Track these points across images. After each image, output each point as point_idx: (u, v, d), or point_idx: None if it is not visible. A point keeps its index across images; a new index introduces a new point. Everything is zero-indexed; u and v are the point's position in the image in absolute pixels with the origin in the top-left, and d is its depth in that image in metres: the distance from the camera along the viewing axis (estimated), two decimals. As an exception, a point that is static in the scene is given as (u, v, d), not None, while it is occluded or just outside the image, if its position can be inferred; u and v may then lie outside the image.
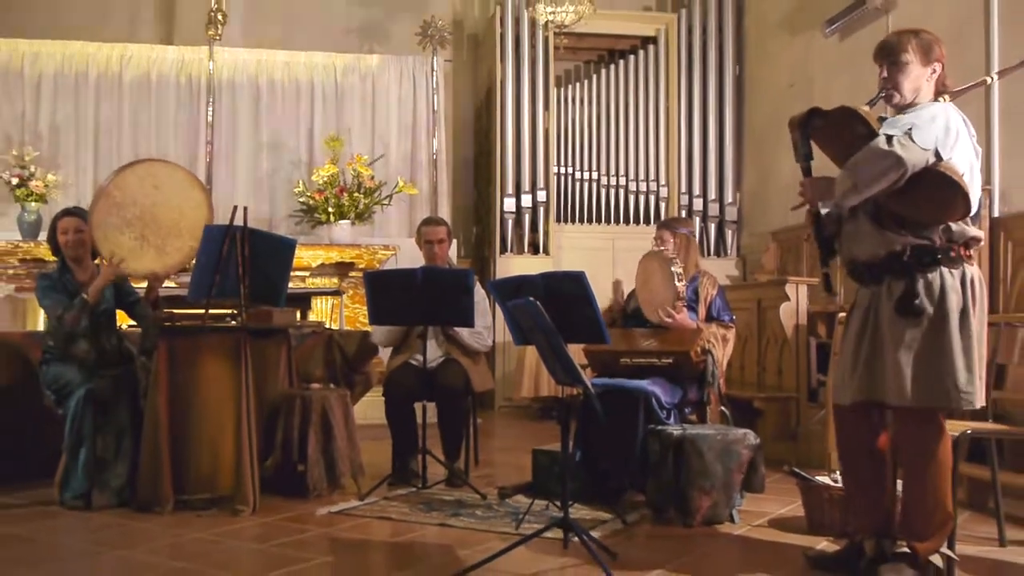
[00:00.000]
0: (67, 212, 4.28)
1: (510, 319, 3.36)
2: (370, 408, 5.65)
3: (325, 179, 7.11)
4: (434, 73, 7.76)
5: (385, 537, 3.50)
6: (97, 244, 4.07)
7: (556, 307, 3.11)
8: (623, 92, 8.25)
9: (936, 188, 2.69)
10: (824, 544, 3.32)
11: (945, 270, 2.75)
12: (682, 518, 3.63)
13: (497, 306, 3.80)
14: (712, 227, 8.17)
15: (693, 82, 8.24)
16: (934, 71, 2.87)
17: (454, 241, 5.82)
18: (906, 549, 2.84)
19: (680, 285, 4.04)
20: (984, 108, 5.09)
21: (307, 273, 6.93)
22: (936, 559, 2.82)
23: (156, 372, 3.90)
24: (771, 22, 7.84)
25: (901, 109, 2.88)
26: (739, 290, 6.22)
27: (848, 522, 3.21)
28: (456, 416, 4.50)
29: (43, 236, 5.48)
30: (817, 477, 3.62)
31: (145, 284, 4.32)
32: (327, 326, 6.13)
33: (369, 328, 5.05)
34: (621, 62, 8.31)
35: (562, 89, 8.24)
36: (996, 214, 5.03)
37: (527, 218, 7.83)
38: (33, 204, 6.74)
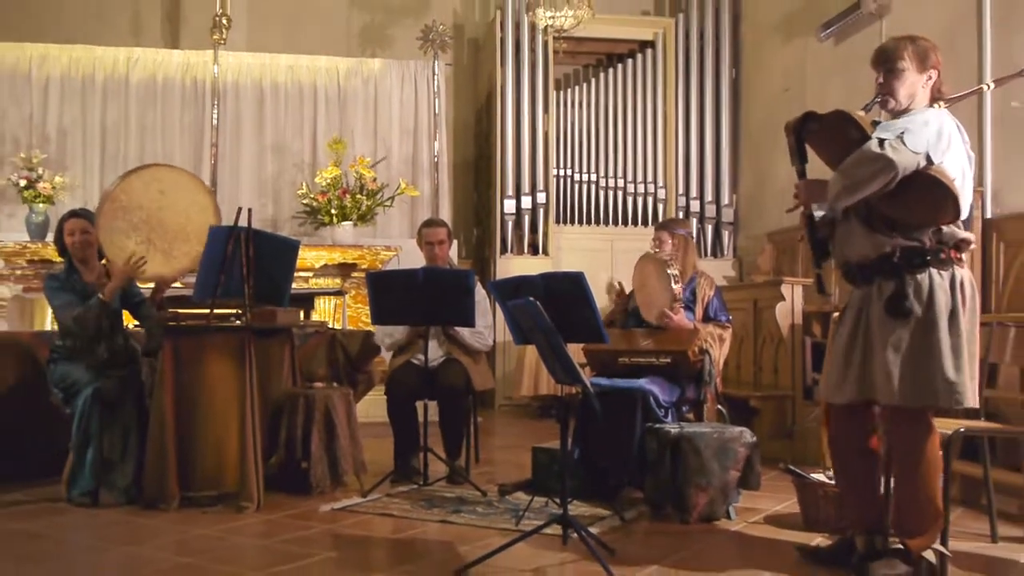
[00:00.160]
0: (74, 214, 4.28)
1: (510, 319, 3.37)
2: (372, 406, 5.65)
3: (328, 181, 7.12)
4: (435, 77, 7.77)
5: (387, 533, 3.50)
6: (104, 248, 4.07)
7: (555, 307, 3.12)
8: (622, 95, 8.25)
9: (926, 191, 2.70)
10: (819, 540, 3.33)
11: (934, 271, 2.75)
12: (679, 515, 3.63)
13: (497, 306, 3.80)
14: (709, 228, 8.17)
15: (690, 86, 8.24)
16: (930, 78, 2.87)
17: (455, 242, 5.82)
18: (899, 545, 2.85)
19: (677, 287, 4.05)
20: (977, 111, 5.09)
21: (310, 274, 6.93)
22: (929, 555, 2.82)
23: (162, 371, 3.90)
24: (767, 27, 7.84)
25: (896, 114, 2.89)
26: (736, 291, 6.23)
27: (842, 518, 3.21)
28: (457, 414, 4.50)
29: (50, 237, 5.47)
30: (812, 474, 3.63)
31: (152, 286, 4.32)
32: (330, 326, 6.14)
33: (372, 328, 5.05)
34: (619, 66, 8.31)
35: (561, 92, 8.24)
36: (988, 215, 5.03)
37: (527, 219, 7.83)
38: (40, 205, 6.74)
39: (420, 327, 4.45)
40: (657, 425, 3.82)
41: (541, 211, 7.84)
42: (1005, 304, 4.84)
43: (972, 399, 2.73)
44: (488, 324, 4.70)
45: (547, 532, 3.21)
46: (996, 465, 3.65)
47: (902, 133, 2.70)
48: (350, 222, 7.15)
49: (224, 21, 7.26)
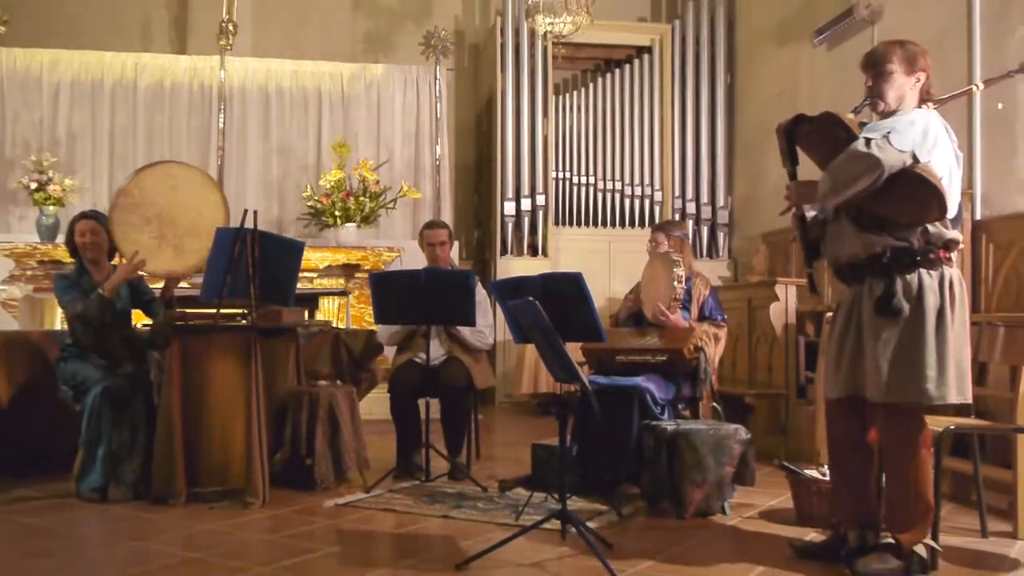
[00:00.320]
0: (84, 215, 4.28)
1: (510, 318, 3.36)
2: (375, 404, 5.66)
3: (332, 184, 7.12)
4: (437, 82, 7.77)
5: (390, 528, 3.50)
6: (117, 242, 4.07)
7: (554, 307, 3.11)
8: (619, 100, 8.24)
9: (912, 189, 2.70)
10: (812, 535, 3.32)
11: (924, 271, 2.76)
12: (675, 510, 3.63)
13: (498, 306, 3.80)
14: (704, 230, 8.17)
15: (686, 90, 8.24)
16: (918, 80, 2.87)
17: (456, 243, 5.82)
18: (891, 540, 2.85)
19: (679, 287, 4.05)
20: (967, 114, 5.09)
21: (315, 274, 6.93)
22: (920, 549, 2.82)
23: (170, 370, 3.90)
24: (761, 33, 7.84)
25: (885, 116, 2.89)
26: (731, 290, 6.23)
27: (834, 513, 3.21)
28: (458, 412, 4.50)
29: (61, 238, 5.48)
30: (806, 471, 3.63)
31: (162, 283, 4.32)
32: (334, 325, 6.13)
33: (375, 327, 5.05)
34: (617, 71, 8.31)
35: (560, 97, 8.23)
36: (978, 217, 5.03)
37: (526, 221, 7.82)
38: (51, 207, 6.74)
39: (422, 326, 4.45)
40: (654, 422, 3.82)
41: (540, 213, 7.83)
42: (994, 304, 4.84)
43: (958, 396, 2.72)
44: (488, 323, 4.69)
45: (546, 527, 3.21)
46: (986, 462, 3.65)
47: (888, 132, 2.70)
48: (354, 224, 7.15)
49: (230, 27, 7.26)
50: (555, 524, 3.21)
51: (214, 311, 3.97)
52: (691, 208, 8.14)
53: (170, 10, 8.00)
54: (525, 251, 7.85)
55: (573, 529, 3.12)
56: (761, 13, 7.88)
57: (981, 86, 3.40)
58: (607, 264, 7.89)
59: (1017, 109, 4.86)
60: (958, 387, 2.73)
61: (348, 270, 7.03)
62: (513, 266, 7.56)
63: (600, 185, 8.14)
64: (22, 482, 4.21)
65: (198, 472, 3.93)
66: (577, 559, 3.03)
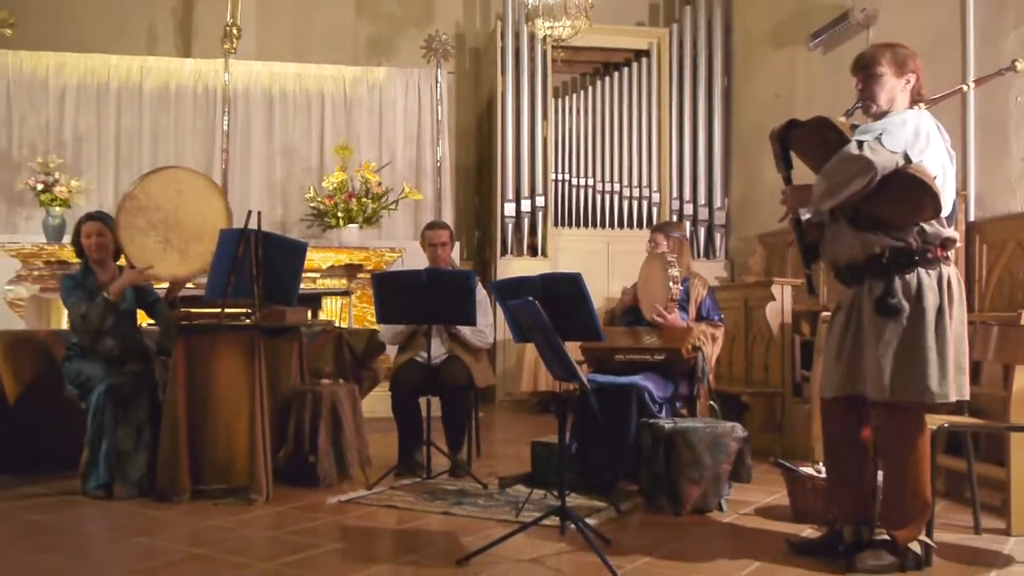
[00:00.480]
0: (90, 216, 4.28)
1: (510, 318, 3.36)
2: (377, 402, 5.65)
3: (335, 185, 7.11)
4: (438, 85, 7.76)
5: (392, 525, 3.50)
6: (124, 246, 4.07)
7: (554, 307, 3.11)
8: (617, 103, 8.24)
9: (906, 189, 2.69)
10: (808, 531, 3.32)
11: (922, 271, 2.75)
12: (673, 507, 3.63)
13: (498, 305, 3.79)
14: (702, 231, 8.16)
15: (684, 93, 8.24)
16: (908, 81, 2.87)
17: (457, 244, 5.81)
18: (886, 536, 2.85)
19: (675, 287, 4.04)
20: (960, 116, 5.09)
21: (318, 274, 6.93)
22: (915, 546, 2.82)
23: (174, 368, 3.90)
24: (758, 36, 7.84)
25: (878, 117, 2.88)
26: (727, 291, 6.22)
27: (829, 510, 3.21)
28: (459, 410, 4.50)
29: (67, 239, 5.47)
30: (801, 468, 3.62)
31: (167, 285, 4.32)
32: (337, 324, 6.13)
33: (377, 327, 5.05)
34: (615, 74, 8.30)
35: (559, 100, 8.23)
36: (971, 218, 5.03)
37: (526, 222, 7.82)
38: (57, 209, 6.74)
39: (423, 325, 4.45)
40: (652, 420, 3.82)
41: (540, 214, 7.83)
42: (988, 304, 4.85)
43: (958, 394, 2.72)
44: (489, 323, 4.69)
45: (546, 523, 3.21)
46: (979, 459, 3.65)
47: (880, 134, 2.69)
48: (356, 225, 7.14)
49: (234, 31, 7.26)
50: (554, 521, 3.21)
51: (219, 311, 3.97)
52: (688, 209, 8.14)
53: (175, 14, 8.00)
54: (525, 252, 7.85)
55: (572, 525, 3.11)
56: (757, 17, 7.88)
57: (971, 85, 3.40)
58: (606, 264, 7.88)
59: (1009, 110, 4.86)
60: (958, 385, 2.73)
61: (350, 270, 7.03)
62: (513, 266, 7.56)
63: (599, 187, 8.14)
64: (29, 479, 4.21)
65: (202, 469, 3.93)
66: (576, 555, 3.02)
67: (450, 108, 8.08)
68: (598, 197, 8.13)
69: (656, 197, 8.17)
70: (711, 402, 4.22)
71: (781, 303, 5.35)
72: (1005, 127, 4.88)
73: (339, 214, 7.11)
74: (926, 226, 2.76)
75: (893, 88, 2.86)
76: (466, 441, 4.59)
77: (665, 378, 4.06)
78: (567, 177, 8.12)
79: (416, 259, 5.93)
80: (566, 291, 3.32)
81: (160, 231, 4.12)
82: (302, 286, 4.45)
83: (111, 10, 7.79)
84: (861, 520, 2.92)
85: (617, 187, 8.15)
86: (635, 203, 8.15)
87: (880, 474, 3.00)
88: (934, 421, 3.11)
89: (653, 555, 3.02)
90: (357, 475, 4.25)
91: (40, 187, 6.70)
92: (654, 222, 7.79)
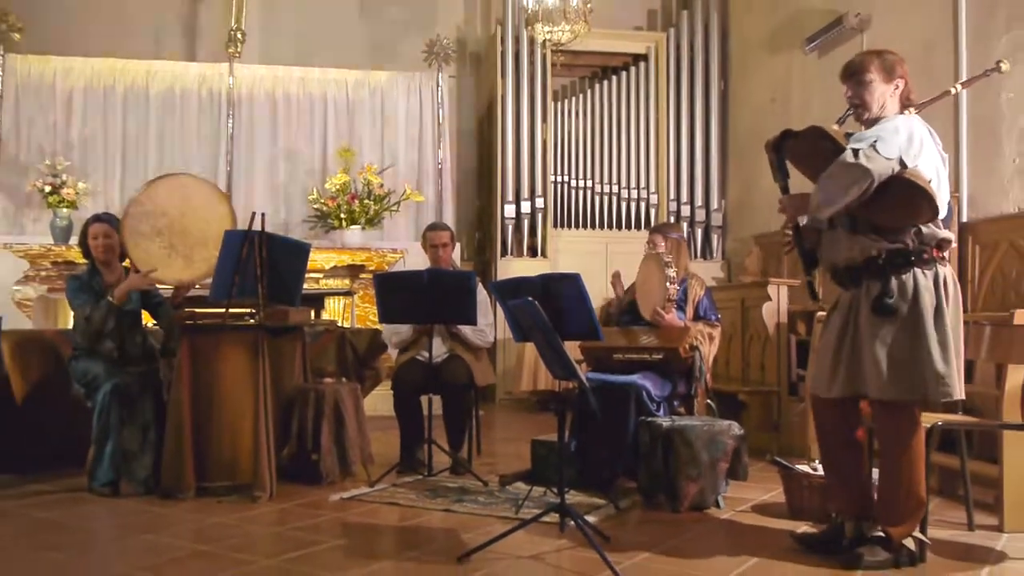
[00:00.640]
0: (97, 218, 4.28)
1: (510, 318, 3.35)
2: (379, 401, 5.64)
3: (338, 187, 7.11)
4: (439, 88, 7.76)
5: (393, 521, 3.49)
6: (129, 250, 4.07)
7: (553, 307, 3.11)
8: (616, 106, 8.24)
9: (903, 194, 2.69)
10: (804, 528, 3.32)
11: (918, 271, 2.75)
12: (671, 504, 3.62)
13: (498, 305, 3.79)
14: (699, 232, 8.16)
15: (681, 96, 8.23)
16: (897, 87, 2.87)
17: (458, 245, 5.80)
18: (881, 533, 2.84)
19: (672, 288, 4.04)
20: (953, 120, 5.09)
21: (321, 275, 6.92)
22: (909, 542, 2.82)
23: (179, 368, 3.90)
24: (754, 41, 7.83)
25: (869, 123, 2.88)
26: (724, 291, 6.22)
27: (829, 506, 3.20)
28: (460, 408, 4.49)
29: (74, 240, 5.47)
30: (797, 465, 3.62)
31: (172, 289, 4.31)
32: (339, 324, 6.13)
33: (379, 326, 5.04)
34: (614, 78, 8.30)
35: (559, 103, 8.23)
36: (964, 220, 5.03)
37: (526, 223, 7.82)
38: (64, 210, 6.73)
39: (425, 325, 4.44)
40: (650, 418, 3.81)
41: (540, 215, 7.82)
42: (980, 304, 4.84)
43: (958, 392, 2.72)
44: (489, 322, 4.69)
45: (545, 520, 3.20)
46: (973, 457, 3.64)
47: (875, 141, 2.69)
48: (358, 226, 7.14)
49: (239, 36, 7.26)
50: (554, 517, 3.20)
51: (223, 311, 3.97)
52: (686, 211, 8.14)
53: (180, 19, 7.99)
54: (525, 252, 7.85)
55: (572, 522, 3.11)
56: (753, 22, 7.88)
57: (959, 88, 3.39)
58: (604, 265, 7.84)
59: (1001, 113, 4.85)
60: (959, 381, 2.72)
61: (353, 271, 7.02)
62: (513, 267, 7.56)
63: (597, 188, 8.14)
64: (36, 477, 4.21)
65: (207, 467, 3.92)
66: (575, 551, 3.02)
67: (451, 111, 8.08)
68: (597, 199, 8.13)
69: (654, 199, 8.17)
70: (708, 401, 4.21)
71: (777, 303, 5.35)
72: (997, 129, 4.87)
73: (342, 216, 7.10)
74: (923, 227, 2.76)
75: (883, 94, 2.86)
76: (467, 439, 4.59)
77: (663, 377, 4.06)
78: (566, 179, 8.12)
79: (417, 260, 5.93)
80: (565, 291, 3.31)
81: (165, 237, 4.12)
82: (305, 286, 4.45)
83: (117, 15, 7.78)
84: (861, 515, 2.91)
85: (615, 189, 8.15)
86: (633, 204, 8.15)
87: (875, 471, 2.99)
88: (928, 419, 3.11)
89: (651, 551, 3.02)
90: (359, 472, 4.25)
91: (48, 189, 6.70)
92: (652, 223, 7.79)
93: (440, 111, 7.77)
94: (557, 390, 3.43)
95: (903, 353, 2.72)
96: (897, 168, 2.67)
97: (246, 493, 3.82)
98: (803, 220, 3.03)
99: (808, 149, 2.90)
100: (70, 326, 6.10)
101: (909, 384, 2.71)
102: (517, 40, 7.87)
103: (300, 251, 4.25)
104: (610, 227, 8.12)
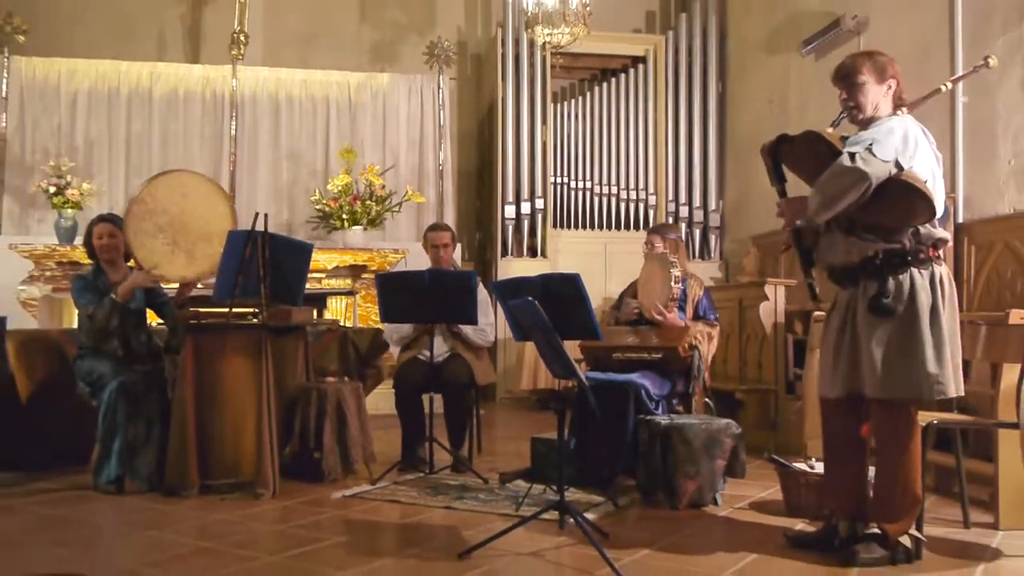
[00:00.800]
0: (101, 218, 4.28)
1: (510, 317, 3.36)
2: (381, 399, 5.65)
3: (340, 188, 7.11)
4: (440, 90, 7.77)
5: (395, 519, 3.50)
6: (132, 249, 4.07)
7: (553, 306, 3.11)
8: (615, 108, 8.24)
9: (901, 196, 2.69)
10: (801, 525, 3.32)
11: (915, 271, 2.75)
12: (669, 501, 3.62)
13: (498, 305, 3.79)
14: (697, 232, 8.16)
15: (679, 98, 8.23)
16: (889, 87, 2.88)
17: (458, 245, 5.80)
18: (877, 530, 2.84)
19: (676, 287, 4.04)
20: (949, 121, 5.09)
21: (323, 275, 6.92)
22: (905, 540, 2.82)
23: (183, 366, 3.90)
24: (752, 43, 7.84)
25: (864, 124, 2.88)
26: (722, 291, 6.22)
27: (825, 504, 3.20)
28: (461, 407, 4.50)
29: (79, 240, 5.46)
30: (794, 463, 3.62)
31: (176, 286, 4.32)
32: (341, 324, 6.13)
33: (381, 326, 5.04)
34: (613, 80, 8.30)
35: (558, 105, 8.23)
36: (960, 220, 5.03)
37: (526, 224, 7.82)
38: (69, 211, 6.74)
39: (426, 325, 4.45)
40: (648, 417, 3.81)
41: (540, 216, 7.83)
42: (976, 303, 4.84)
43: (954, 390, 2.72)
44: (490, 322, 4.69)
45: (545, 517, 3.21)
46: (968, 455, 3.64)
47: (870, 145, 2.69)
48: (360, 227, 7.14)
49: (242, 38, 7.26)
50: (554, 515, 3.21)
51: (226, 310, 3.97)
52: (684, 211, 8.14)
53: (184, 21, 7.99)
54: (525, 253, 7.85)
55: (571, 519, 3.11)
56: (751, 24, 7.88)
57: (949, 85, 3.39)
58: (603, 265, 7.88)
59: (996, 115, 4.86)
60: (955, 381, 2.73)
61: (355, 271, 7.02)
62: (513, 267, 7.56)
63: (597, 189, 8.14)
64: (42, 475, 4.21)
65: (210, 465, 3.92)
66: (575, 548, 3.02)
67: (452, 113, 8.09)
68: (596, 199, 8.14)
69: (652, 200, 8.17)
70: (706, 399, 4.21)
71: (774, 303, 5.35)
72: (993, 131, 4.88)
73: (344, 216, 7.11)
74: (920, 227, 2.76)
75: (876, 95, 2.87)
76: (467, 437, 4.59)
77: (662, 376, 4.06)
78: (566, 180, 8.12)
79: (419, 260, 5.93)
80: (565, 291, 3.31)
81: (168, 234, 4.12)
82: (308, 286, 4.45)
83: (121, 17, 7.79)
84: (857, 515, 2.91)
85: (615, 190, 8.15)
86: (632, 205, 8.15)
87: (872, 470, 2.99)
88: (924, 418, 3.11)
89: (650, 548, 3.02)
90: (361, 470, 4.25)
91: (52, 190, 6.70)
92: (651, 224, 7.79)
93: (441, 113, 7.78)
94: (557, 389, 3.43)
95: (899, 352, 2.72)
96: (894, 171, 2.68)
97: (249, 491, 3.82)
98: (801, 223, 3.03)
99: (804, 153, 2.90)
100: (75, 325, 6.13)
101: (904, 383, 2.71)
102: (517, 43, 7.88)
103: (303, 251, 4.25)
104: (609, 228, 8.12)
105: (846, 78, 2.89)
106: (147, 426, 3.98)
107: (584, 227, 8.11)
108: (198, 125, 7.50)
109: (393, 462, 4.34)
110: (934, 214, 2.72)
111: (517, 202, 7.80)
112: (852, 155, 2.69)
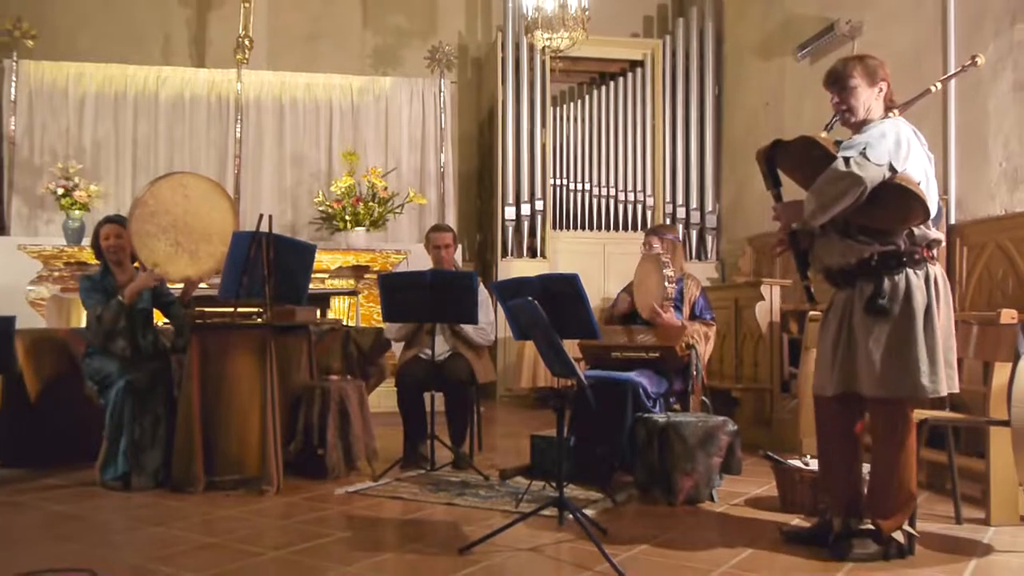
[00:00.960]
0: (108, 219, 4.28)
1: (511, 317, 3.36)
2: (383, 397, 5.65)
3: (343, 190, 7.12)
4: (441, 94, 7.77)
5: (397, 515, 3.49)
6: (136, 250, 4.07)
7: (552, 306, 3.11)
8: (613, 111, 8.24)
9: (895, 199, 2.70)
10: (796, 521, 3.32)
11: (910, 271, 2.75)
12: (666, 498, 3.62)
13: (499, 305, 3.79)
14: (694, 233, 8.17)
15: (676, 101, 8.24)
16: (880, 90, 2.88)
17: (459, 246, 5.81)
18: (871, 526, 2.84)
19: (670, 287, 4.04)
20: (941, 123, 5.09)
21: (326, 275, 6.93)
22: (898, 535, 2.82)
23: (189, 365, 3.90)
24: (748, 47, 7.84)
25: (857, 127, 2.88)
26: (719, 291, 6.22)
27: (819, 501, 3.20)
28: (462, 405, 4.50)
29: (86, 241, 5.47)
30: (789, 460, 3.62)
31: (181, 286, 4.32)
32: (344, 323, 6.13)
33: (383, 325, 5.04)
34: (611, 83, 8.31)
35: (557, 108, 8.23)
36: (952, 221, 5.04)
37: (526, 225, 7.82)
38: (77, 212, 6.74)
39: (427, 323, 4.45)
40: (646, 415, 3.81)
41: (539, 217, 7.83)
42: (968, 303, 4.85)
43: (947, 388, 2.72)
44: (490, 321, 4.69)
45: (544, 514, 3.20)
46: (960, 452, 3.65)
47: (864, 148, 2.69)
48: (363, 228, 7.14)
49: (246, 43, 7.27)
50: (553, 511, 3.21)
51: (231, 310, 3.97)
52: (681, 213, 8.14)
53: (190, 26, 8.00)
54: (524, 253, 7.85)
55: (570, 516, 3.11)
56: (747, 29, 7.88)
57: (939, 85, 3.39)
58: (602, 265, 7.89)
59: (988, 118, 4.86)
60: (948, 379, 2.73)
61: (358, 271, 7.02)
62: (513, 267, 7.56)
63: (595, 191, 8.14)
64: (50, 472, 4.21)
65: (216, 461, 3.92)
66: (574, 544, 3.02)
67: (453, 116, 8.09)
68: (594, 201, 8.14)
69: (650, 201, 8.17)
70: (703, 397, 4.21)
71: (770, 302, 5.36)
72: (984, 133, 4.88)
73: (347, 217, 7.11)
74: (915, 229, 2.76)
75: (868, 98, 2.87)
76: (468, 435, 4.59)
77: (659, 374, 4.06)
78: (565, 182, 8.12)
79: (420, 261, 5.93)
80: (564, 291, 3.31)
81: (171, 235, 4.12)
82: (311, 286, 4.45)
83: (128, 22, 7.79)
84: (850, 511, 2.91)
85: (613, 191, 8.15)
86: (630, 207, 8.15)
87: (867, 466, 3.00)
88: (918, 415, 3.11)
89: (648, 544, 3.02)
90: (364, 467, 4.25)
91: (60, 191, 6.70)
92: (648, 225, 7.78)
93: (442, 116, 7.78)
94: (556, 387, 3.42)
95: (896, 352, 2.72)
96: (888, 174, 2.67)
97: (254, 487, 3.82)
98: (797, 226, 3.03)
99: (799, 157, 2.90)
100: (83, 325, 6.13)
101: (901, 382, 2.71)
102: (517, 47, 7.88)
103: (306, 252, 4.25)
104: (607, 229, 8.12)
105: (838, 82, 2.89)
106: (153, 424, 3.99)
107: (583, 228, 8.11)
108: (203, 128, 7.50)
109: (395, 459, 4.34)
110: (928, 215, 2.72)
111: (517, 203, 7.80)
112: (847, 160, 2.68)
